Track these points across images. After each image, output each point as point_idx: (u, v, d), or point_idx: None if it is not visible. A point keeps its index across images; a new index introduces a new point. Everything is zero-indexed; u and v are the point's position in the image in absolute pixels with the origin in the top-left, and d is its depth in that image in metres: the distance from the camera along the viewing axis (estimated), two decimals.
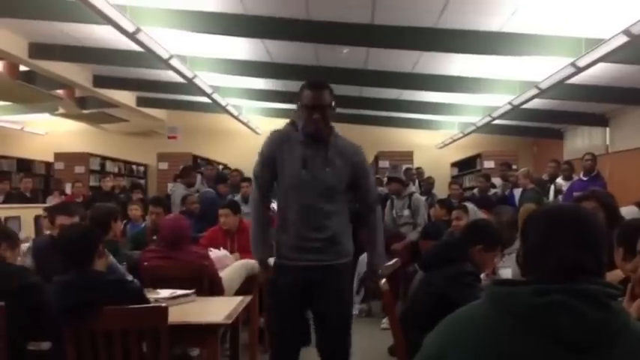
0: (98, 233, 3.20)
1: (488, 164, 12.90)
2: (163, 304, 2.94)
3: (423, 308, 3.35)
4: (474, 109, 11.65)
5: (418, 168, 11.62)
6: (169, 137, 15.14)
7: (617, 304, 1.38)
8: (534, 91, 8.61)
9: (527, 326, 1.34)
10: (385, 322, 6.46)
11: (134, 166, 15.80)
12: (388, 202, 7.71)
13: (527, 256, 1.50)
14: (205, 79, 9.90)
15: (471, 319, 1.46)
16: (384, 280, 3.51)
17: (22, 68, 9.74)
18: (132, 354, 2.78)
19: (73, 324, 2.78)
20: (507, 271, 4.04)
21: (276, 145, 3.33)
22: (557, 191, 8.51)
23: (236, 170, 9.50)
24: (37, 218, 8.32)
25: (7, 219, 7.51)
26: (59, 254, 3.10)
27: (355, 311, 7.42)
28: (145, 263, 4.39)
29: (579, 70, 7.16)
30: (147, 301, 3.03)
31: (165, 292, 3.70)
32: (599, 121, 11.87)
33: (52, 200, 10.09)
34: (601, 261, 1.44)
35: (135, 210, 7.38)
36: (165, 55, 7.86)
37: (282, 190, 3.34)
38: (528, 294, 1.36)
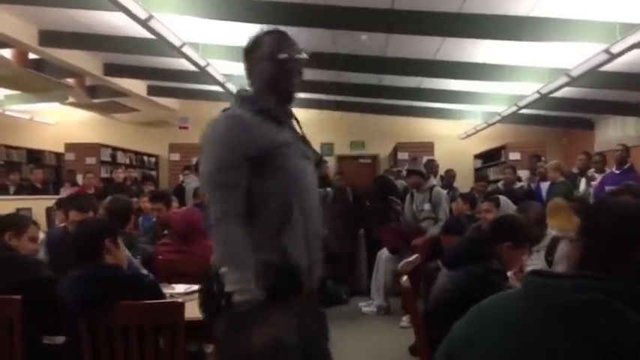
0: (111, 227, 3.23)
1: (514, 156, 12.84)
2: (180, 300, 2.98)
3: (447, 307, 3.34)
4: (499, 97, 11.53)
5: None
6: (180, 127, 15.22)
7: None
8: (565, 79, 8.50)
9: (560, 322, 1.33)
10: (405, 320, 6.48)
11: (145, 157, 15.88)
12: (408, 196, 7.72)
13: (592, 253, 1.48)
14: (218, 68, 9.91)
15: (501, 307, 1.48)
16: (405, 277, 3.52)
17: (32, 56, 9.80)
18: (148, 349, 2.81)
19: (88, 318, 2.83)
20: (536, 267, 4.03)
21: (253, 133, 2.32)
22: (589, 184, 8.47)
23: None
24: (48, 210, 8.40)
25: (18, 210, 7.58)
26: (72, 248, 3.15)
27: (374, 309, 7.46)
28: (159, 257, 4.44)
29: (613, 56, 7.05)
30: (163, 296, 3.08)
31: (180, 287, 3.75)
32: (633, 110, 11.69)
33: (64, 191, 10.20)
34: None
35: (146, 202, 7.44)
36: (177, 43, 7.88)
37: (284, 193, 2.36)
38: (569, 289, 1.35)
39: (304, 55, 2.50)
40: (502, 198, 6.08)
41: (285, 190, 2.33)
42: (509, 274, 3.61)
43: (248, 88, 2.47)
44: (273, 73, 2.39)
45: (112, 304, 2.81)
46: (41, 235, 4.94)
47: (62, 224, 4.65)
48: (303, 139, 2.47)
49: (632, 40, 6.50)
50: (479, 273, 3.34)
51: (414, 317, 3.42)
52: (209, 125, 2.33)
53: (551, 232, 4.66)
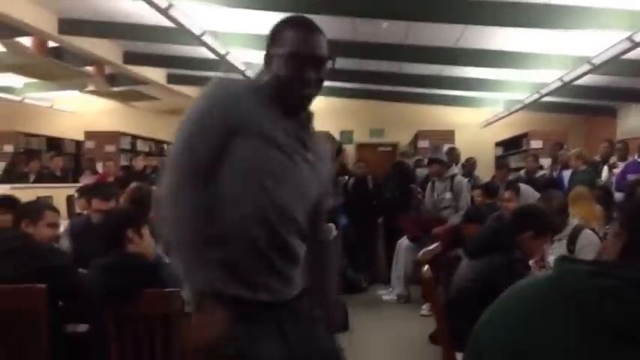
0: (135, 217, 3.29)
1: (536, 144, 12.77)
2: None
3: (469, 297, 3.37)
4: (520, 85, 11.48)
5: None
6: None
7: None
8: (587, 67, 8.46)
9: (574, 308, 1.35)
10: (425, 309, 6.52)
11: (164, 145, 15.98)
12: (429, 185, 7.74)
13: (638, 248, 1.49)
14: (238, 56, 9.95)
15: (525, 292, 1.50)
16: (426, 266, 3.55)
17: (51, 44, 9.89)
18: (172, 338, 2.87)
19: (113, 307, 2.88)
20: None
21: (240, 104, 2.03)
22: (611, 172, 8.45)
23: None
24: (69, 198, 8.47)
25: (39, 199, 7.66)
26: (97, 237, 3.21)
27: (394, 297, 7.51)
28: None
29: (636, 44, 7.03)
30: None
31: None
32: None
33: (84, 179, 10.29)
34: None
35: None
36: (197, 32, 7.92)
37: (242, 182, 2.01)
38: (583, 274, 1.37)
39: (306, 51, 2.09)
40: (523, 186, 6.10)
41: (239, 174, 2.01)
42: (530, 263, 3.63)
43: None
44: (287, 71, 2.06)
45: (136, 293, 2.87)
46: (64, 224, 5.02)
47: (85, 212, 4.72)
48: (303, 142, 2.14)
49: None
50: (501, 263, 3.36)
51: (435, 306, 3.45)
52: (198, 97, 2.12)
53: (573, 220, 4.68)
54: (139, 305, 2.86)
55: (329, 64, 2.15)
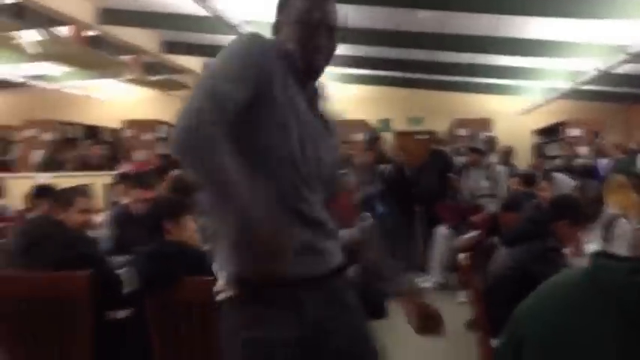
0: (174, 207, 3.36)
1: (574, 132, 12.65)
2: None
3: (505, 285, 3.42)
4: (558, 73, 11.41)
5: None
6: None
7: None
8: (623, 57, 8.41)
9: (613, 304, 1.36)
10: (463, 296, 6.56)
11: None
12: (466, 173, 7.78)
13: None
14: None
15: (560, 286, 1.53)
16: (464, 254, 3.61)
17: (90, 33, 10.06)
18: (211, 325, 2.95)
19: (153, 295, 2.98)
20: (593, 246, 4.07)
21: (273, 64, 1.89)
22: None
23: None
24: (107, 186, 8.62)
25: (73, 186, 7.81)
26: (137, 226, 3.31)
27: (431, 284, 7.56)
28: None
29: None
30: None
31: None
32: None
33: (122, 168, 10.45)
34: None
35: None
36: (234, 21, 8.01)
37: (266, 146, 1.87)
38: (624, 271, 1.37)
39: (339, 24, 2.02)
40: (559, 176, 6.11)
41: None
42: (566, 251, 3.67)
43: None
44: (298, 39, 1.96)
45: (175, 281, 2.95)
46: (104, 214, 5.16)
47: (125, 202, 4.82)
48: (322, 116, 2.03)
49: None
50: (537, 251, 3.41)
51: (473, 293, 3.50)
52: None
53: (609, 209, 4.68)
54: (178, 292, 2.95)
55: (341, 34, 2.02)
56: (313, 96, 2.02)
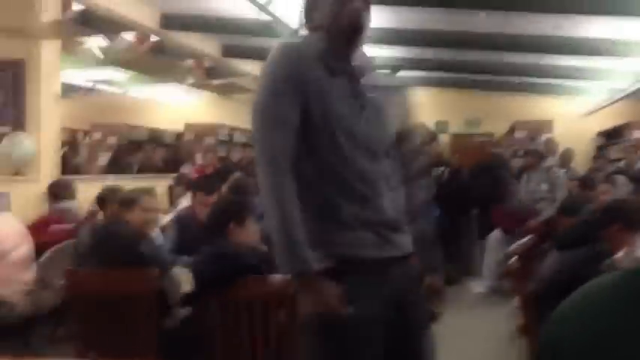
0: (238, 208, 3.54)
1: (638, 134, 12.48)
2: None
3: (554, 289, 3.48)
4: (622, 74, 11.21)
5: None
6: None
7: None
8: None
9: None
10: (516, 302, 6.60)
11: None
12: (524, 176, 7.78)
13: None
14: None
15: (599, 292, 1.62)
16: (514, 258, 3.69)
17: (153, 39, 10.37)
18: (271, 322, 3.13)
19: (215, 293, 3.16)
20: None
21: (307, 66, 2.09)
22: None
23: None
24: (170, 188, 8.87)
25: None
26: (201, 229, 3.51)
27: (485, 289, 7.60)
28: None
29: None
30: None
31: None
32: None
33: (184, 170, 10.73)
34: None
35: None
36: (294, 26, 8.19)
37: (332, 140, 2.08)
38: None
39: None
40: (620, 179, 6.09)
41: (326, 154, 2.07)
42: (619, 255, 3.70)
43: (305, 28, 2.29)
44: (341, 12, 2.11)
45: (235, 280, 3.14)
46: (168, 217, 5.39)
47: (188, 205, 5.03)
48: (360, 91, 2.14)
49: None
50: (587, 255, 3.46)
51: (523, 299, 3.58)
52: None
53: None
54: (240, 291, 3.13)
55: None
56: (356, 69, 2.15)
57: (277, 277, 3.21)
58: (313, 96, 2.05)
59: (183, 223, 4.55)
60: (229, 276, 3.13)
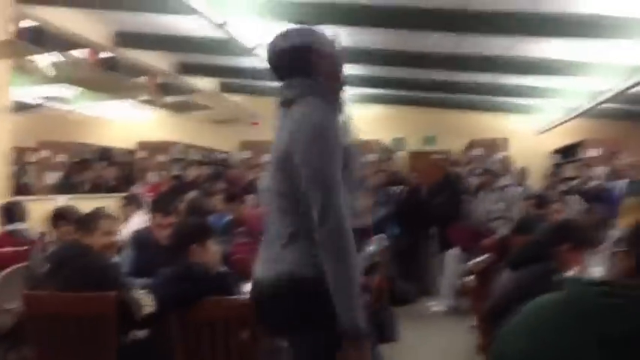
0: (201, 230, 3.67)
1: (592, 153, 12.80)
2: None
3: (507, 307, 3.64)
4: (576, 93, 11.53)
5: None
6: (252, 124, 15.71)
7: None
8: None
9: (587, 324, 1.61)
10: (473, 320, 6.77)
11: (216, 154, 16.41)
12: (480, 195, 7.99)
13: None
14: None
15: (543, 308, 1.80)
16: (470, 277, 3.86)
17: (105, 55, 10.41)
18: (232, 343, 3.24)
19: (177, 314, 3.26)
20: (598, 269, 4.28)
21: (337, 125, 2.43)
22: None
23: None
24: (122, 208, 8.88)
25: (95, 209, 8.04)
26: (159, 250, 3.61)
27: (443, 308, 7.76)
28: (236, 257, 4.88)
29: None
30: (244, 293, 3.50)
31: None
32: None
33: (137, 190, 10.73)
34: None
35: (219, 201, 7.83)
36: (251, 45, 8.35)
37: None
38: (596, 293, 1.64)
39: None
40: (572, 198, 6.32)
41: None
42: (570, 274, 3.88)
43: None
44: (333, 68, 2.55)
45: (198, 301, 3.25)
46: (122, 235, 5.44)
47: (145, 226, 5.09)
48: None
49: None
50: (538, 274, 3.63)
51: (480, 316, 3.74)
52: (303, 116, 2.37)
53: (618, 232, 4.87)
54: (202, 312, 3.24)
55: None
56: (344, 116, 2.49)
57: (238, 298, 3.34)
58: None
59: (140, 243, 4.62)
60: (191, 297, 3.24)
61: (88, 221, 3.95)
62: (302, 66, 2.51)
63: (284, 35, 2.59)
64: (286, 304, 2.31)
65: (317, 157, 2.25)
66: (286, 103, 2.47)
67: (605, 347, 1.56)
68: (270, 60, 2.60)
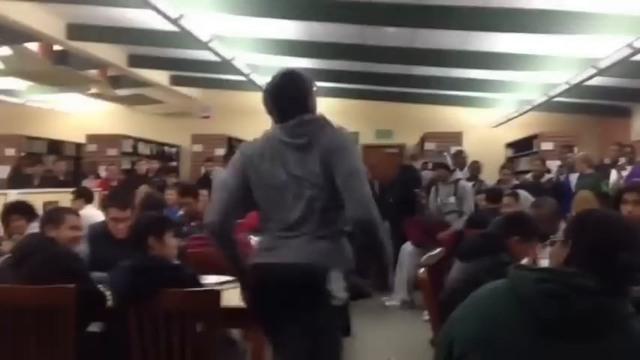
0: (158, 224, 3.78)
1: (546, 146, 13.08)
2: (217, 288, 3.54)
3: (458, 298, 3.80)
4: (530, 86, 11.85)
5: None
6: (203, 117, 15.73)
7: (614, 301, 1.75)
8: (592, 71, 8.85)
9: (523, 306, 1.79)
10: (427, 314, 6.94)
11: (166, 148, 16.42)
12: (433, 189, 8.15)
13: (581, 254, 1.90)
14: (244, 59, 10.42)
15: (487, 292, 1.98)
16: (422, 270, 4.03)
17: (56, 48, 10.38)
18: (188, 334, 3.36)
19: (134, 305, 3.37)
20: (547, 261, 4.46)
21: None
22: (620, 175, 8.70)
23: None
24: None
25: (45, 204, 8.05)
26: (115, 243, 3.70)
27: (397, 302, 7.90)
28: (190, 250, 4.97)
29: (637, 51, 7.44)
30: (201, 285, 3.63)
31: (212, 278, 4.29)
32: None
33: (88, 184, 10.72)
34: None
35: (171, 195, 7.83)
36: (205, 38, 8.40)
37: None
38: (534, 279, 1.81)
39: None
40: (522, 193, 6.52)
41: None
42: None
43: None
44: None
45: (156, 292, 3.37)
46: None
47: (101, 220, 5.16)
48: None
49: None
50: (488, 265, 3.80)
51: (432, 310, 3.90)
52: (342, 135, 3.12)
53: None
54: (159, 304, 3.36)
55: None
56: None
57: (194, 290, 3.46)
58: None
59: (95, 238, 4.68)
60: (149, 289, 3.35)
61: (55, 216, 4.04)
62: (312, 105, 3.19)
63: (290, 79, 3.18)
64: (317, 285, 2.92)
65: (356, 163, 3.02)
66: (302, 145, 3.02)
67: (543, 332, 1.74)
68: (280, 102, 3.14)
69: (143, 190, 7.71)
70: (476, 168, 10.36)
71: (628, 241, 1.86)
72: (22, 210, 5.58)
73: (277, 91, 3.14)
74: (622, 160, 9.31)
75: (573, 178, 9.09)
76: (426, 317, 6.88)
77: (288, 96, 3.11)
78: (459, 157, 10.29)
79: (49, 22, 9.07)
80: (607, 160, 9.94)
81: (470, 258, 4.09)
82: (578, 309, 1.71)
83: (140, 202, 5.23)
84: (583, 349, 1.72)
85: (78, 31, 9.61)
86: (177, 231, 4.23)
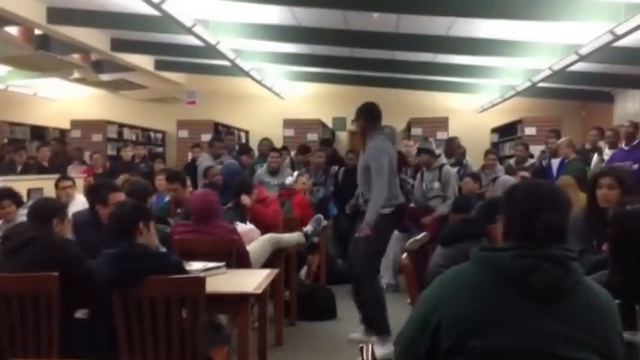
0: (146, 211, 3.84)
1: (530, 131, 13.28)
2: (202, 275, 3.60)
3: None
4: (514, 72, 11.96)
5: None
6: (188, 102, 15.71)
7: (574, 265, 1.99)
8: (574, 57, 8.96)
9: (507, 282, 1.97)
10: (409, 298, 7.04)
11: (152, 134, 16.41)
12: (418, 175, 8.24)
13: (512, 222, 2.11)
14: (229, 44, 10.42)
15: (463, 275, 2.10)
16: (404, 255, 4.11)
17: (38, 33, 10.35)
18: (173, 319, 3.43)
19: (121, 292, 3.44)
20: None
21: None
22: (601, 159, 8.84)
23: (266, 139, 10.26)
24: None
25: (30, 191, 8.06)
26: (102, 230, 3.77)
27: (383, 286, 8.00)
28: (176, 237, 5.04)
29: (618, 37, 7.54)
30: (186, 272, 3.70)
31: (197, 265, 4.35)
32: None
33: (73, 170, 10.70)
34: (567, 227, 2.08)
35: (161, 181, 7.91)
36: (189, 23, 8.40)
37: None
38: (510, 257, 1.99)
39: None
40: (503, 178, 6.62)
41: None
42: None
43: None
44: None
45: (142, 279, 3.43)
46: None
47: (87, 208, 5.20)
48: None
49: (636, 22, 6.97)
50: (468, 250, 3.88)
51: (413, 294, 3.98)
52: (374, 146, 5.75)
53: None
54: (144, 290, 3.42)
55: None
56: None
57: (179, 277, 3.53)
58: None
59: (81, 225, 4.72)
60: (134, 276, 3.41)
61: (63, 210, 4.14)
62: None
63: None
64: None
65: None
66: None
67: (531, 300, 1.95)
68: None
69: (123, 178, 7.78)
70: (460, 153, 10.43)
71: (550, 205, 2.06)
72: (13, 197, 5.95)
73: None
74: (601, 143, 9.39)
75: (555, 163, 9.21)
76: (408, 301, 7.05)
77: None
78: (453, 144, 10.37)
79: (29, 6, 9.01)
80: (587, 145, 10.03)
81: (450, 243, 4.17)
82: (556, 275, 1.94)
83: (125, 189, 5.27)
84: (560, 307, 1.95)
85: (58, 15, 9.55)
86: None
